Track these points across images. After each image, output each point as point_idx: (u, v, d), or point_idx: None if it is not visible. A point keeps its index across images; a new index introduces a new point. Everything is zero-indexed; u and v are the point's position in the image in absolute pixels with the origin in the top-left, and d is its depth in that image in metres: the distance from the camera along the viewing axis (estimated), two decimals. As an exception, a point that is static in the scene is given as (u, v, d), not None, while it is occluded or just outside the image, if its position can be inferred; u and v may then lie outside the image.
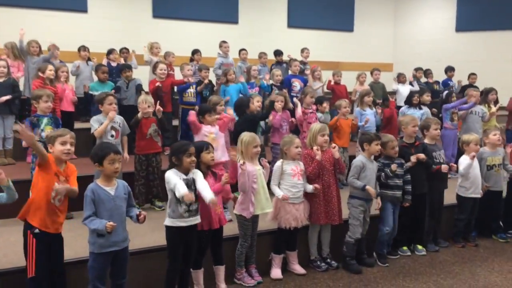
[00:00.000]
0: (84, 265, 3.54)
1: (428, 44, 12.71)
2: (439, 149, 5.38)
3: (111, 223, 3.25)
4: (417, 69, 9.85)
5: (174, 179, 3.61)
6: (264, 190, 4.29)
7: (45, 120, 4.91)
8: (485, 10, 12.09)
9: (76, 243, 3.76)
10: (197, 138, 5.12)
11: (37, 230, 3.39)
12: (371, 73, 9.16)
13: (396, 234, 4.94)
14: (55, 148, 3.50)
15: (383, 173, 4.76)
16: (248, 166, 4.09)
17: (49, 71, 6.19)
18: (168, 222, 3.71)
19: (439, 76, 10.31)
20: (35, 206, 3.41)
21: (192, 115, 5.05)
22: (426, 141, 5.32)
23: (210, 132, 5.13)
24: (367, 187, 4.56)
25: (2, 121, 6.13)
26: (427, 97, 7.33)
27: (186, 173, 3.72)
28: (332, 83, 8.63)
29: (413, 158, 4.93)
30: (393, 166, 4.70)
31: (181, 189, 3.53)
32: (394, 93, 9.10)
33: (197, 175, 3.76)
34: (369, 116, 6.60)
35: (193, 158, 3.72)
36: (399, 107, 7.69)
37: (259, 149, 4.28)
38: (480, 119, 7.17)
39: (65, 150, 3.48)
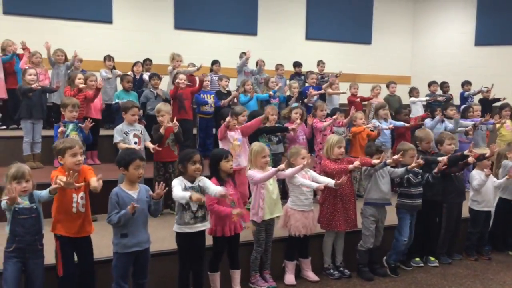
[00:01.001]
0: (108, 265, 3.74)
1: (446, 57, 12.74)
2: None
3: (132, 204, 3.43)
4: (431, 83, 9.86)
5: (174, 189, 3.73)
6: (274, 195, 4.43)
7: (71, 126, 5.20)
8: (504, 24, 12.10)
9: (101, 243, 3.93)
10: (222, 144, 5.34)
11: (60, 235, 3.60)
12: (387, 86, 9.24)
13: (411, 244, 5.01)
14: (66, 160, 3.62)
15: (405, 179, 4.82)
16: (256, 173, 4.26)
17: (78, 80, 6.47)
18: (176, 228, 3.87)
19: (456, 89, 10.34)
20: (56, 218, 3.61)
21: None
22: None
23: (234, 139, 5.36)
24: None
25: (32, 126, 6.39)
26: (451, 111, 7.37)
27: (192, 181, 3.84)
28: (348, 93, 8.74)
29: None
30: (418, 162, 4.71)
31: (179, 194, 3.65)
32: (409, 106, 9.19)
33: (204, 181, 3.88)
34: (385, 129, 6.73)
35: (198, 166, 3.82)
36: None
37: (267, 159, 4.42)
38: (484, 133, 7.28)
39: (76, 162, 3.61)
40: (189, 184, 3.82)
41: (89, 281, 3.74)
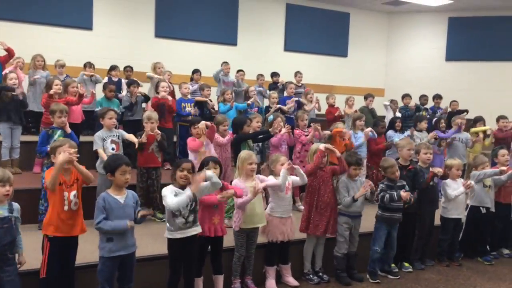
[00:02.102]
0: (92, 270, 3.79)
1: (419, 71, 13.18)
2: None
3: (131, 222, 3.55)
4: (404, 96, 10.19)
5: (167, 197, 3.81)
6: (257, 209, 4.50)
7: (58, 132, 5.20)
8: (474, 41, 12.64)
9: (85, 248, 3.96)
10: (191, 155, 5.52)
11: (51, 235, 3.64)
12: (365, 98, 9.51)
13: (394, 254, 5.20)
14: (58, 158, 3.68)
15: (387, 195, 4.95)
16: (239, 183, 4.40)
17: (56, 86, 6.40)
18: (168, 234, 3.93)
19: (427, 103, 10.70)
20: (52, 218, 3.66)
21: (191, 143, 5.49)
22: (419, 164, 5.60)
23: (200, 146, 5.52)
24: (356, 196, 4.84)
25: (10, 131, 6.34)
26: (425, 124, 7.82)
27: (182, 188, 3.91)
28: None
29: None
30: (404, 195, 4.89)
31: (176, 199, 3.75)
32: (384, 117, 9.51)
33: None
34: (361, 139, 6.96)
35: (185, 173, 3.89)
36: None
37: (254, 166, 4.52)
38: (464, 145, 7.62)
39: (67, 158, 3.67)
40: (180, 191, 3.88)
41: (70, 284, 3.77)
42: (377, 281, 5.03)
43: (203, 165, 4.24)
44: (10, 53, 7.63)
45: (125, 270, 3.74)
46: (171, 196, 3.80)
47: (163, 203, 3.88)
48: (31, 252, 4.00)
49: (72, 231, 3.71)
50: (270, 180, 4.66)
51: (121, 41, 10.34)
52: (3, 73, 7.04)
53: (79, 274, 3.86)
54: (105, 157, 4.99)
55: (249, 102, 8.15)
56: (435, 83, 12.27)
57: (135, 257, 3.83)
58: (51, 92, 6.25)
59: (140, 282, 4.03)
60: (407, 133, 7.53)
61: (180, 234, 3.88)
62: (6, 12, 9.31)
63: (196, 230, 3.98)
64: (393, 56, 13.96)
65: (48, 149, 4.63)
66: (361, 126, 7.14)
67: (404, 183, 5.14)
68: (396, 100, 9.91)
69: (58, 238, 3.65)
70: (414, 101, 10.12)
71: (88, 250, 3.96)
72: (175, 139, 7.79)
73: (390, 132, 7.74)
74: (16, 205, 3.54)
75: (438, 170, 5.46)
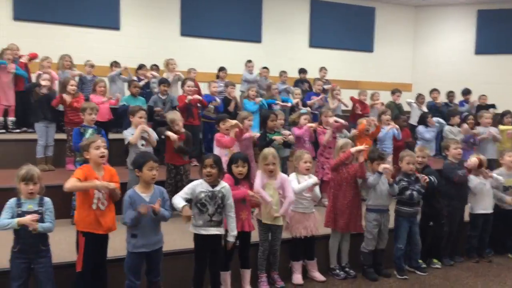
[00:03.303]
0: (121, 263, 3.90)
1: (447, 66, 12.96)
2: (463, 167, 5.53)
3: (143, 209, 3.58)
4: (432, 91, 10.04)
5: (177, 199, 3.90)
6: (275, 204, 4.49)
7: (90, 131, 5.34)
8: (503, 34, 12.36)
9: (114, 243, 4.07)
10: (217, 150, 5.57)
11: (86, 232, 3.76)
12: (392, 93, 9.42)
13: (420, 248, 5.16)
14: (91, 153, 3.84)
15: (415, 192, 4.92)
16: (259, 179, 4.43)
17: (71, 86, 6.57)
18: (192, 229, 3.99)
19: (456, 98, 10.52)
20: (80, 215, 3.78)
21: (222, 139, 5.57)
22: (449, 159, 5.52)
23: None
24: (381, 168, 4.82)
25: (46, 129, 6.54)
26: (458, 119, 7.70)
27: (213, 186, 3.95)
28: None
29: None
30: (422, 178, 4.93)
31: (176, 201, 3.84)
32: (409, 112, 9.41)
33: (226, 189, 4.00)
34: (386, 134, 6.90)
35: (208, 170, 3.93)
36: (412, 126, 7.99)
37: (270, 167, 4.46)
38: (492, 141, 7.47)
39: (100, 154, 3.83)
40: (208, 188, 3.95)
41: (103, 277, 3.89)
42: (404, 277, 5.00)
43: (232, 161, 4.29)
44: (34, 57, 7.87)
45: (152, 264, 3.84)
46: (179, 199, 3.88)
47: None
48: (65, 245, 4.17)
49: (102, 229, 3.80)
50: (287, 198, 4.56)
51: (147, 41, 10.52)
52: (37, 73, 7.25)
53: (109, 267, 3.97)
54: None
55: (257, 100, 8.04)
56: (464, 77, 12.03)
57: (162, 252, 3.91)
58: (43, 83, 6.46)
59: (168, 276, 4.12)
60: (435, 128, 7.42)
61: (203, 231, 3.95)
62: (35, 14, 9.60)
63: (219, 231, 4.00)
64: (421, 51, 13.75)
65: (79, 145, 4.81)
66: (387, 121, 7.08)
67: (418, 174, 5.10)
68: (424, 95, 9.77)
69: (91, 233, 3.77)
70: (442, 96, 9.96)
71: (118, 245, 4.06)
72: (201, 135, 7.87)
73: (421, 128, 7.62)
74: (47, 199, 3.67)
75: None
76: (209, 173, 3.94)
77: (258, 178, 4.48)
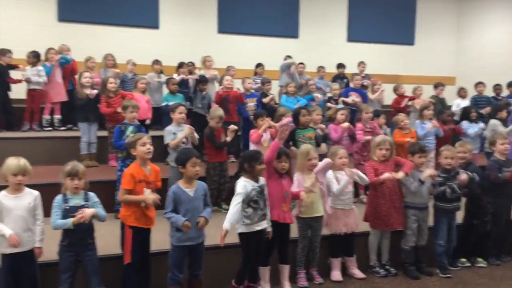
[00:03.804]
0: (163, 256, 4.00)
1: (493, 58, 12.43)
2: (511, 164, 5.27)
3: (187, 223, 3.67)
4: (477, 84, 9.70)
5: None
6: (316, 196, 4.50)
7: (130, 128, 5.48)
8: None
9: (157, 237, 4.16)
10: (252, 146, 5.60)
11: (134, 226, 3.89)
12: (435, 87, 9.16)
13: (456, 244, 5.03)
14: (137, 150, 3.98)
15: (448, 189, 4.81)
16: (298, 177, 4.45)
17: (110, 84, 6.75)
18: (244, 229, 3.99)
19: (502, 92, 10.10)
20: (128, 210, 3.91)
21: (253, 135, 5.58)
22: (496, 156, 5.30)
23: (264, 140, 5.57)
24: (422, 177, 4.70)
25: (88, 127, 6.76)
26: (505, 113, 7.44)
27: (257, 180, 4.04)
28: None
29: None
30: (462, 178, 4.79)
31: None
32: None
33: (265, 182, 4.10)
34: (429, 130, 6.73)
35: (264, 166, 4.04)
36: (457, 122, 7.73)
37: (313, 162, 4.49)
38: None
39: (146, 150, 3.96)
40: (255, 185, 3.99)
41: (147, 269, 4.01)
42: (447, 275, 4.87)
43: (276, 156, 4.27)
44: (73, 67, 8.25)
45: (194, 258, 3.91)
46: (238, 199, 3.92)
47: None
48: (109, 238, 4.30)
49: (149, 223, 3.96)
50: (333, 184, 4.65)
51: (185, 39, 10.66)
52: (79, 72, 7.48)
53: (152, 260, 4.07)
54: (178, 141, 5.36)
55: (265, 100, 7.95)
56: (511, 70, 11.53)
57: (204, 246, 3.97)
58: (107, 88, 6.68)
59: (208, 270, 4.16)
60: (481, 125, 7.16)
61: (258, 227, 4.01)
62: (78, 15, 9.91)
63: (266, 223, 4.08)
64: (464, 42, 13.29)
65: (125, 143, 4.93)
66: (429, 116, 6.89)
67: (458, 170, 4.94)
68: (465, 88, 9.44)
69: (138, 228, 3.89)
70: (488, 89, 9.60)
71: (160, 238, 4.15)
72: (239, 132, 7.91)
73: (464, 123, 7.38)
74: (91, 194, 3.80)
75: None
76: (284, 166, 4.18)
77: (299, 176, 4.48)
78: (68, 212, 3.63)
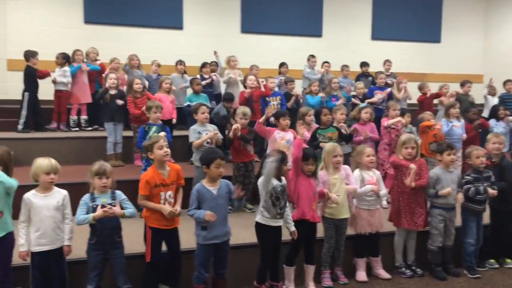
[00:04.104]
0: (187, 256, 4.05)
1: (522, 55, 12.13)
2: None
3: (209, 212, 3.71)
4: (506, 82, 9.47)
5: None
6: (343, 197, 4.49)
7: (153, 129, 5.55)
8: None
9: (182, 236, 4.19)
10: (269, 143, 5.57)
11: (152, 226, 3.95)
12: (462, 85, 8.99)
13: (482, 245, 4.94)
14: (155, 153, 4.00)
15: (473, 188, 4.74)
16: (323, 175, 4.43)
17: (136, 85, 6.87)
18: (261, 219, 4.03)
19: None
20: (149, 211, 3.98)
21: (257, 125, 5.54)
22: None
23: (283, 138, 5.52)
24: (440, 192, 4.65)
25: (114, 127, 6.87)
26: None
27: (280, 180, 4.05)
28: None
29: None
30: (491, 193, 4.74)
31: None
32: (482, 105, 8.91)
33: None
34: (456, 128, 6.60)
35: (289, 167, 4.09)
36: (485, 119, 7.57)
37: (338, 159, 4.50)
38: None
39: (163, 153, 3.98)
40: (279, 183, 4.02)
41: (177, 268, 4.06)
42: (477, 275, 4.78)
43: (303, 158, 4.25)
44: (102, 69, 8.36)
45: (220, 256, 3.94)
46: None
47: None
48: (134, 237, 4.36)
49: (170, 224, 3.98)
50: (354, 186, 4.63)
51: (209, 39, 10.68)
52: (105, 73, 7.62)
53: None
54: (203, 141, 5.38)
55: (289, 104, 7.78)
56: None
57: (229, 245, 4.00)
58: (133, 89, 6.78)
59: (232, 269, 4.17)
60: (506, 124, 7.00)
61: (274, 223, 4.03)
62: (104, 17, 10.07)
63: (281, 222, 4.10)
64: (492, 40, 12.97)
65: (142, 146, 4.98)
66: (456, 114, 6.75)
67: (491, 173, 4.86)
68: (494, 86, 9.21)
69: (158, 229, 3.94)
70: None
71: (185, 238, 4.19)
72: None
73: (492, 122, 7.22)
74: (118, 192, 3.87)
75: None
76: (310, 169, 4.21)
77: (324, 175, 4.46)
78: (95, 211, 3.70)
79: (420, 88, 8.71)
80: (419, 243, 4.87)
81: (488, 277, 4.80)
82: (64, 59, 8.10)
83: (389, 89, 8.45)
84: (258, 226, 4.07)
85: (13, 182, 3.67)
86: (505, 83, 9.41)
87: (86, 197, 3.78)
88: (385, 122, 6.34)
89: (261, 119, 5.67)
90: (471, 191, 4.74)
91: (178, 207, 3.96)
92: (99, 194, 3.79)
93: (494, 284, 4.64)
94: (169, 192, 3.97)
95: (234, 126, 5.62)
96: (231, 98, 7.41)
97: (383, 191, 4.78)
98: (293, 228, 4.13)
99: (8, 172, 3.70)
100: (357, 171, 4.70)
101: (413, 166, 4.65)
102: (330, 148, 4.54)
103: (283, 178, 4.11)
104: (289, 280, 4.28)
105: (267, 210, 4.01)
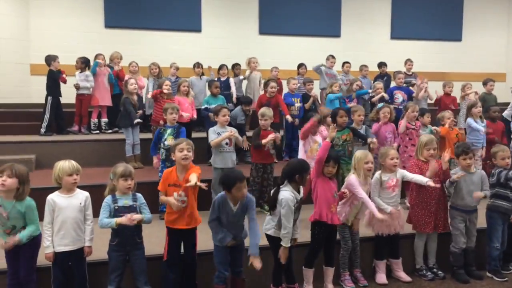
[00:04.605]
0: (205, 257, 4.11)
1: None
2: None
3: (232, 243, 3.84)
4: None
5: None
6: (359, 205, 4.49)
7: (169, 131, 5.59)
8: None
9: (201, 237, 4.18)
10: (301, 144, 5.50)
11: (169, 227, 4.01)
12: (484, 84, 8.83)
13: (506, 248, 4.84)
14: (176, 155, 4.02)
15: (504, 172, 4.61)
16: (357, 184, 4.36)
17: (165, 86, 6.92)
18: (273, 233, 4.02)
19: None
20: (167, 212, 4.04)
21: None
22: None
23: (316, 142, 5.46)
24: (453, 177, 4.57)
25: (131, 130, 6.91)
26: None
27: (298, 191, 4.03)
28: (439, 95, 8.49)
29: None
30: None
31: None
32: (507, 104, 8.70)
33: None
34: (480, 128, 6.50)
35: (309, 175, 4.07)
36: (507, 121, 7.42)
37: (370, 165, 4.43)
38: None
39: (182, 156, 3.98)
40: (298, 197, 3.99)
41: (190, 269, 4.08)
42: (505, 279, 4.69)
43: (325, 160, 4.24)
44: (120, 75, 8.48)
45: (234, 255, 3.97)
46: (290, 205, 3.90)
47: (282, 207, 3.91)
48: (154, 239, 4.39)
49: (185, 224, 3.99)
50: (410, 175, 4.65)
51: (227, 41, 10.77)
52: (125, 79, 7.67)
53: (198, 260, 4.15)
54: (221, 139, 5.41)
55: (307, 106, 7.77)
56: None
57: (244, 245, 4.01)
58: (164, 91, 6.81)
59: (247, 271, 4.12)
60: None
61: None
62: (124, 21, 10.24)
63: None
64: (515, 37, 12.73)
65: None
66: (479, 113, 6.63)
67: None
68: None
69: (174, 229, 3.99)
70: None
71: (204, 238, 4.20)
72: (281, 133, 7.89)
73: None
74: (139, 195, 3.92)
75: None
76: (330, 171, 4.21)
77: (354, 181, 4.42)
78: (117, 212, 3.76)
79: (444, 87, 8.58)
80: (440, 245, 4.80)
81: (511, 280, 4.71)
82: (84, 64, 8.23)
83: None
84: (270, 237, 4.07)
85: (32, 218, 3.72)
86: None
87: (108, 199, 3.83)
88: (401, 124, 6.20)
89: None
90: (503, 174, 4.61)
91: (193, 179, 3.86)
92: (121, 195, 3.84)
93: (518, 288, 4.55)
94: (180, 192, 3.95)
95: (273, 136, 5.56)
96: (248, 102, 7.41)
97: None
98: (295, 236, 4.09)
99: (24, 190, 3.70)
100: (377, 174, 4.64)
101: (434, 162, 4.60)
102: (362, 156, 4.47)
103: (301, 190, 4.06)
104: (308, 282, 4.26)
105: (279, 226, 3.98)
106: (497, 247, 4.72)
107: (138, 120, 6.90)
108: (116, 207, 3.78)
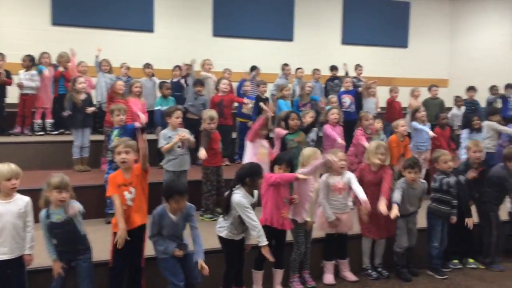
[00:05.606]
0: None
1: (486, 60, 12.43)
2: None
3: (178, 253, 3.76)
4: (468, 89, 9.69)
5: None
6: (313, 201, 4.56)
7: (115, 132, 5.46)
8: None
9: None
10: (249, 147, 5.46)
11: (115, 232, 3.84)
12: (429, 89, 9.20)
13: (446, 247, 5.05)
14: (115, 157, 3.93)
15: (446, 179, 4.86)
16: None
17: (118, 86, 6.79)
18: (227, 236, 3.99)
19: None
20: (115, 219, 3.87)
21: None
22: None
23: (263, 146, 5.45)
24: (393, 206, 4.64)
25: (82, 131, 6.70)
26: (498, 117, 7.47)
27: (252, 195, 4.01)
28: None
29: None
30: (471, 175, 4.95)
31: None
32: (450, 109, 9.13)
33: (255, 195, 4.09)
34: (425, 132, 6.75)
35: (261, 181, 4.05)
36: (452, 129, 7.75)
37: (342, 162, 4.59)
38: None
39: (120, 160, 3.86)
40: (251, 200, 3.96)
41: (137, 274, 3.98)
42: (445, 276, 4.90)
43: (276, 162, 4.29)
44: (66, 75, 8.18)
45: (189, 265, 3.86)
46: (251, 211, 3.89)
47: (242, 211, 3.85)
48: (100, 244, 4.24)
49: (130, 224, 3.84)
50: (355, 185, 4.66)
51: (180, 42, 10.65)
52: (73, 77, 7.43)
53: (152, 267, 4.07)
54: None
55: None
56: (505, 72, 11.55)
57: (191, 255, 3.90)
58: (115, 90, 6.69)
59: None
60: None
61: (236, 237, 4.03)
62: (72, 18, 9.90)
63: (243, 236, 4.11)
64: (458, 45, 13.34)
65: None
66: (422, 118, 6.89)
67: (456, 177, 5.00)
68: (461, 96, 9.51)
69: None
70: (482, 91, 9.63)
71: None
72: (234, 135, 7.91)
73: (465, 133, 7.18)
74: (75, 205, 3.69)
75: None
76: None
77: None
78: (50, 229, 3.58)
79: (390, 91, 8.86)
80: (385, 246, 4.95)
81: (451, 278, 4.92)
82: (31, 62, 7.92)
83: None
84: (223, 240, 4.04)
85: None
86: (467, 90, 9.67)
87: (42, 214, 3.61)
88: (363, 139, 6.15)
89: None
90: (445, 182, 4.83)
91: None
92: (54, 209, 3.60)
93: (457, 285, 4.76)
94: (132, 189, 3.85)
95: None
96: (200, 83, 7.54)
97: (350, 202, 4.89)
98: (248, 241, 4.12)
99: None
100: (323, 177, 4.68)
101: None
102: (311, 153, 4.51)
103: (255, 192, 4.05)
104: (257, 284, 4.29)
105: (235, 228, 3.98)
106: (436, 246, 4.93)
107: (69, 112, 6.62)
108: (49, 223, 3.58)
